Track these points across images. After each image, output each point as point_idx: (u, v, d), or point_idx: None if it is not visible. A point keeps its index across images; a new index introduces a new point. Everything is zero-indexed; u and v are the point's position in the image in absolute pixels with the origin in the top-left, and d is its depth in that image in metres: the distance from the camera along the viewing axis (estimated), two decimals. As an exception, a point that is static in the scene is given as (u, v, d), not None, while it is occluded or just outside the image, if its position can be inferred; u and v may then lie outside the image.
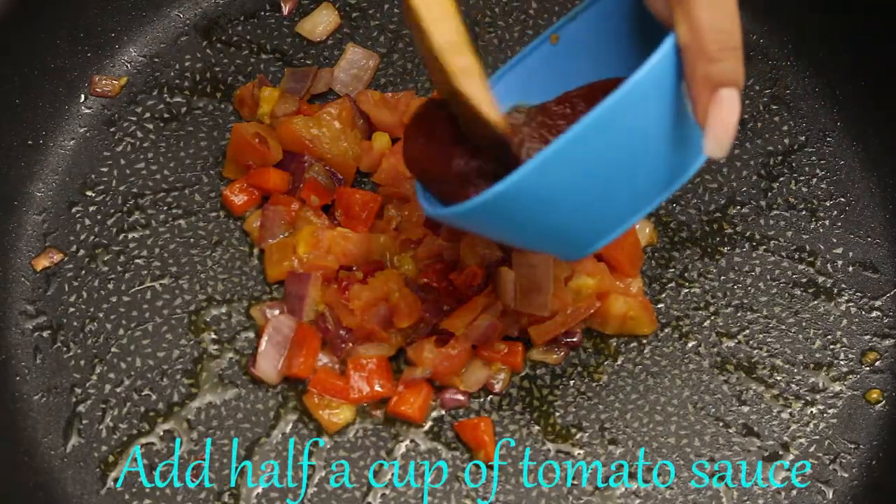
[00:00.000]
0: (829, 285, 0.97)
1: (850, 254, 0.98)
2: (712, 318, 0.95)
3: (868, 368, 0.94)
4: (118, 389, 0.92)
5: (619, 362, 0.94)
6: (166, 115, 1.02)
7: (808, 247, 0.98)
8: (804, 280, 0.97)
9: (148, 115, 1.02)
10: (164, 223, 0.98)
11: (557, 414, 0.92)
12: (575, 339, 0.93)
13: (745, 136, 1.02)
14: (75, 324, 0.94)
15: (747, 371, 0.94)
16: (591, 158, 0.68)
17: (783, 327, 0.95)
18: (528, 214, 0.71)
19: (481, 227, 0.75)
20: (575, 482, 0.90)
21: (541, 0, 1.07)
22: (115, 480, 0.90)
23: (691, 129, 0.72)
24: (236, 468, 0.90)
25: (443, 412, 0.91)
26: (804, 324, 0.95)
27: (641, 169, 0.71)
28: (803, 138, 1.02)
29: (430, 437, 0.91)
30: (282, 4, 1.06)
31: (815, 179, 1.01)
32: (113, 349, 0.94)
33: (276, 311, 0.93)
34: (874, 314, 0.96)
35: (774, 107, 1.03)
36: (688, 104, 0.71)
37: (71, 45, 1.01)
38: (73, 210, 0.99)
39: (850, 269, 0.97)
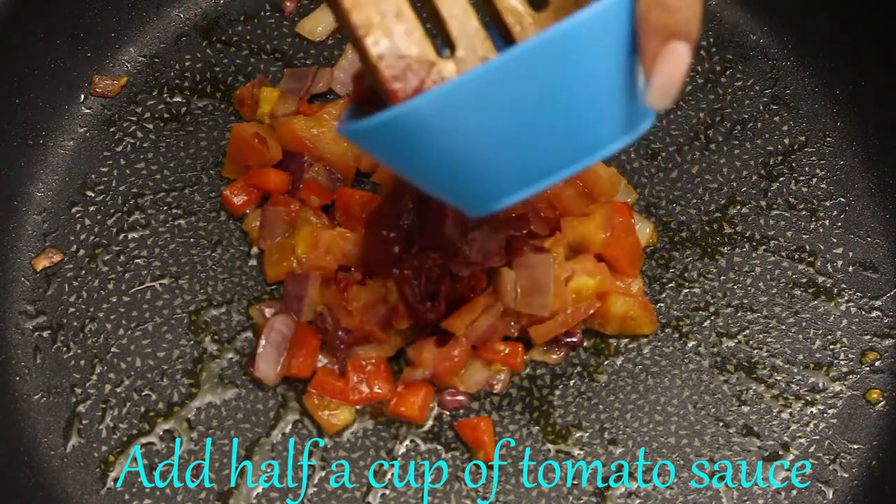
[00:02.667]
0: (829, 285, 0.97)
1: (850, 254, 0.98)
2: (712, 318, 0.95)
3: (868, 368, 0.94)
4: (118, 389, 0.92)
5: (619, 362, 0.94)
6: (166, 115, 1.02)
7: (808, 247, 0.98)
8: (804, 280, 0.97)
9: (148, 115, 1.02)
10: (164, 223, 0.98)
11: (557, 414, 0.92)
12: (575, 340, 0.93)
13: (745, 136, 1.02)
14: (75, 324, 0.95)
15: (747, 371, 0.94)
16: (514, 96, 0.63)
17: (783, 327, 0.95)
18: (436, 144, 0.65)
19: (390, 154, 0.69)
20: (575, 482, 0.90)
21: (541, 0, 1.07)
22: (115, 480, 0.90)
23: (637, 83, 0.67)
24: (236, 468, 0.90)
25: (443, 412, 0.91)
26: (804, 324, 0.95)
27: (573, 121, 0.65)
28: (803, 138, 1.02)
29: (430, 437, 0.91)
30: (282, 4, 1.06)
31: (815, 179, 1.01)
32: (113, 349, 0.94)
33: (275, 311, 0.93)
34: (874, 314, 0.96)
35: (774, 107, 1.03)
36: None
37: (71, 45, 1.01)
38: (73, 210, 0.99)
39: (850, 269, 0.97)
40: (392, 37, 0.69)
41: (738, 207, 0.99)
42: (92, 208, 0.99)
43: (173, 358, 0.93)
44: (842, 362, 0.94)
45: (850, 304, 0.96)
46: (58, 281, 0.96)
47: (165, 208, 0.99)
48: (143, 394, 0.92)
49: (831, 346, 0.95)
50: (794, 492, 0.90)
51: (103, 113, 1.02)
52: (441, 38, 0.72)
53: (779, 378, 0.93)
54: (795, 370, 0.94)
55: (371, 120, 0.65)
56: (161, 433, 0.91)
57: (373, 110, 0.70)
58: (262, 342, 0.91)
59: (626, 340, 0.94)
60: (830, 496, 0.90)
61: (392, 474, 0.90)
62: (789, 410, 0.92)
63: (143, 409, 0.92)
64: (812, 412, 0.92)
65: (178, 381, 0.93)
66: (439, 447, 0.91)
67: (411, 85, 0.69)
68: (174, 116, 1.02)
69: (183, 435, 0.91)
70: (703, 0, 0.65)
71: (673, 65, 0.64)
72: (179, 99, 1.03)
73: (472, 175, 0.66)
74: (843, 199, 1.00)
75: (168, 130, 1.02)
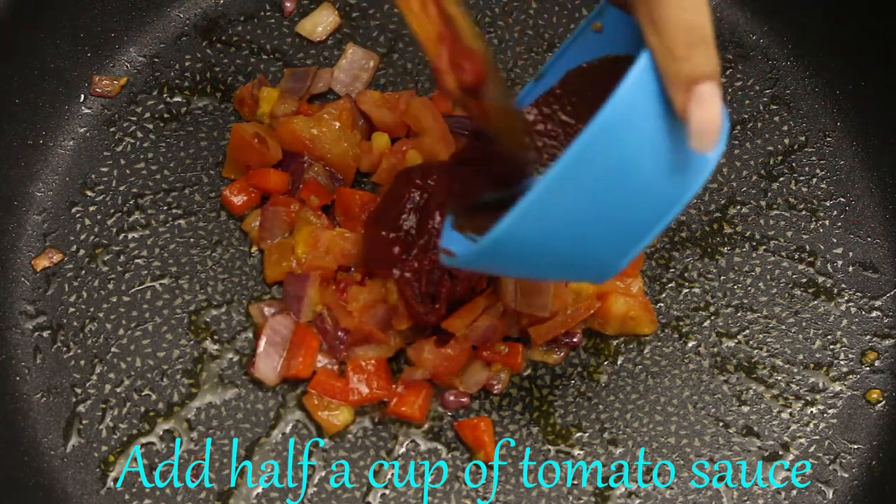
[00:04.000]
0: (829, 285, 0.97)
1: (850, 254, 0.98)
2: (712, 318, 0.95)
3: (868, 368, 0.94)
4: (118, 389, 0.92)
5: (619, 362, 0.94)
6: (166, 115, 1.02)
7: (808, 247, 0.98)
8: (804, 280, 0.97)
9: (148, 115, 1.02)
10: (164, 223, 0.98)
11: (557, 414, 0.92)
12: (575, 340, 0.93)
13: (745, 136, 1.02)
14: (75, 324, 0.95)
15: (747, 371, 0.94)
16: (585, 185, 0.67)
17: (783, 327, 0.95)
18: (535, 249, 0.70)
19: (497, 267, 0.75)
20: (575, 482, 0.90)
21: (541, 0, 1.07)
22: (115, 480, 0.90)
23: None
24: (236, 468, 0.90)
25: (443, 412, 0.91)
26: (804, 324, 0.95)
27: (644, 185, 0.69)
28: (803, 138, 1.02)
29: (430, 437, 0.91)
30: (282, 4, 1.06)
31: (815, 179, 1.01)
32: (113, 349, 0.94)
33: (275, 311, 0.93)
34: (874, 314, 0.96)
35: (774, 107, 1.03)
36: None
37: (71, 45, 1.01)
38: (73, 210, 0.99)
39: (850, 269, 0.97)
40: None
41: (738, 207, 0.99)
42: (92, 208, 0.99)
43: (173, 358, 0.93)
44: (842, 362, 0.94)
45: (850, 304, 0.96)
46: (58, 281, 0.96)
47: (165, 208, 0.99)
48: (143, 394, 0.92)
49: (831, 346, 0.95)
50: (794, 492, 0.90)
51: (103, 113, 1.02)
52: None
53: (779, 378, 0.93)
54: (795, 370, 0.94)
55: (489, 237, 0.69)
56: (161, 433, 0.91)
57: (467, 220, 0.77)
58: (262, 342, 0.91)
59: (626, 340, 0.94)
60: (830, 496, 0.90)
61: (392, 474, 0.90)
62: (789, 410, 0.92)
63: (143, 409, 0.92)
64: (812, 412, 0.92)
65: (178, 381, 0.93)
66: (439, 447, 0.91)
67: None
68: (174, 116, 1.02)
69: (183, 435, 0.91)
70: (713, 34, 0.66)
71: (703, 108, 0.65)
72: (179, 99, 1.03)
73: (583, 256, 0.71)
74: (843, 199, 1.00)
75: (168, 130, 1.02)
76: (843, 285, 0.97)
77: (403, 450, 0.91)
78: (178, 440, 0.91)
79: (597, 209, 0.68)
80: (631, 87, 0.66)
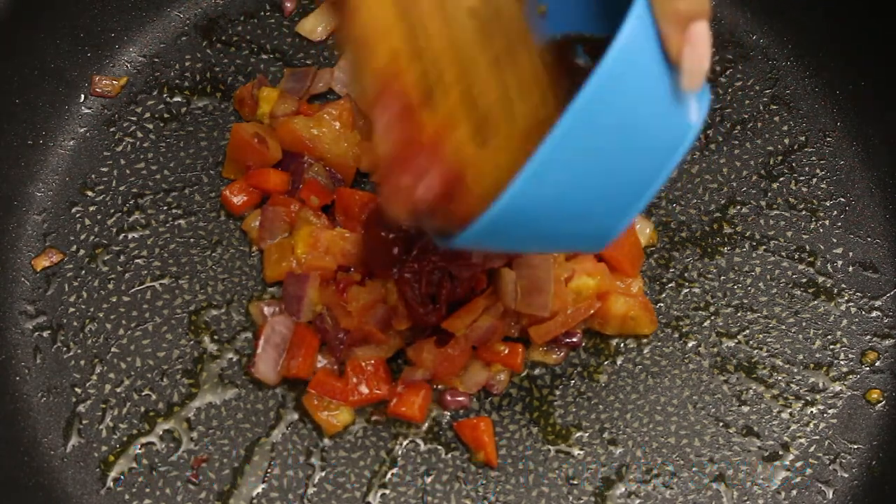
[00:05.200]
0: (829, 285, 0.97)
1: (850, 254, 0.98)
2: (712, 318, 0.95)
3: (868, 368, 0.94)
4: (118, 389, 0.92)
5: (619, 362, 0.94)
6: (166, 115, 1.02)
7: (808, 247, 0.98)
8: (804, 280, 0.97)
9: (148, 115, 1.02)
10: (164, 223, 0.98)
11: (557, 414, 0.92)
12: (575, 340, 0.93)
13: (745, 136, 1.02)
14: (75, 324, 0.95)
15: (747, 371, 0.94)
16: (588, 144, 0.66)
17: (783, 327, 0.95)
18: (540, 214, 0.68)
19: (497, 243, 0.73)
20: (575, 482, 0.90)
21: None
22: (115, 480, 0.90)
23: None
24: (236, 468, 0.90)
25: (443, 412, 0.91)
26: (804, 324, 0.95)
27: (644, 137, 0.67)
28: (803, 138, 1.02)
29: (430, 437, 0.91)
30: (282, 4, 1.06)
31: (815, 179, 1.01)
32: (113, 349, 0.94)
33: (275, 311, 0.93)
34: (874, 314, 0.96)
35: (774, 107, 1.03)
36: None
37: (71, 45, 1.01)
38: (73, 210, 0.99)
39: (850, 269, 0.97)
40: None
41: (738, 207, 0.99)
42: (92, 208, 0.99)
43: (173, 358, 0.93)
44: (842, 362, 0.94)
45: (850, 304, 0.96)
46: (58, 281, 0.96)
47: (165, 208, 0.99)
48: (143, 394, 0.92)
49: (831, 346, 0.95)
50: (794, 492, 0.90)
51: (103, 113, 1.02)
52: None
53: (779, 378, 0.93)
54: (795, 370, 0.94)
55: (484, 217, 0.67)
56: (161, 433, 0.91)
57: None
58: (262, 342, 0.91)
59: (626, 340, 0.94)
60: (830, 496, 0.90)
61: (392, 474, 0.90)
62: (789, 410, 0.92)
63: (143, 409, 0.92)
64: (812, 412, 0.92)
65: (178, 381, 0.93)
66: (439, 447, 0.91)
67: (399, 104, 0.70)
68: (174, 116, 1.02)
69: (183, 435, 0.91)
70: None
71: (696, 46, 0.66)
72: (179, 99, 1.03)
73: (584, 221, 0.70)
74: (843, 199, 1.00)
75: (168, 130, 1.02)
76: (843, 285, 0.97)
77: (403, 450, 0.91)
78: (178, 440, 0.91)
79: (602, 163, 0.67)
80: (632, 31, 0.65)
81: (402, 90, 0.69)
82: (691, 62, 0.67)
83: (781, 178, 1.01)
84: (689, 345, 0.94)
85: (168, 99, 1.03)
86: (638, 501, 0.89)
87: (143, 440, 0.91)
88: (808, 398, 0.93)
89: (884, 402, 0.93)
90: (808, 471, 0.91)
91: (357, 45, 0.71)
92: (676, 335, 0.95)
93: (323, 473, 0.90)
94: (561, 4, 0.82)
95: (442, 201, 0.70)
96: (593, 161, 0.66)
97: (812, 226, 0.99)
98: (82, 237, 0.98)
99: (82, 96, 1.02)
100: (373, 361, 0.91)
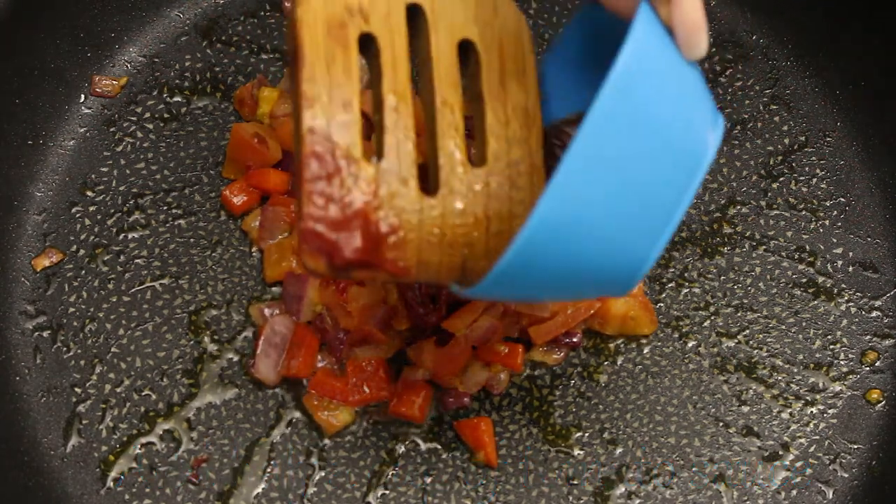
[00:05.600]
0: (829, 285, 0.97)
1: (850, 254, 0.98)
2: (712, 318, 0.95)
3: (868, 368, 0.94)
4: (118, 389, 0.92)
5: (619, 362, 0.94)
6: (166, 115, 1.02)
7: (808, 247, 0.98)
8: (804, 280, 0.97)
9: (148, 115, 1.02)
10: (164, 223, 0.98)
11: (557, 414, 0.92)
12: (575, 340, 0.93)
13: (745, 136, 1.02)
14: (75, 324, 0.95)
15: (747, 371, 0.94)
16: (610, 153, 0.62)
17: (783, 327, 0.95)
18: (568, 243, 0.63)
19: (517, 290, 0.69)
20: (575, 482, 0.90)
21: (540, 0, 1.07)
22: (115, 480, 0.90)
23: (700, 91, 0.67)
24: (236, 468, 0.90)
25: (443, 412, 0.91)
26: (804, 324, 0.95)
27: (668, 144, 0.64)
28: (803, 138, 1.02)
29: (430, 437, 0.91)
30: (282, 4, 1.06)
31: (815, 179, 1.01)
32: (113, 349, 0.94)
33: (275, 312, 0.93)
34: (874, 314, 0.96)
35: (774, 107, 1.03)
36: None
37: (71, 45, 1.01)
38: (73, 210, 0.99)
39: (850, 269, 0.97)
40: (331, 120, 0.70)
41: (738, 207, 0.99)
42: (92, 208, 0.99)
43: (173, 358, 0.93)
44: (842, 362, 0.94)
45: (850, 304, 0.96)
46: (58, 281, 0.96)
47: (165, 208, 0.99)
48: (143, 394, 0.92)
49: (831, 346, 0.95)
50: (794, 492, 0.90)
51: (103, 113, 1.02)
52: (375, 147, 0.72)
53: (779, 378, 0.93)
54: (795, 370, 0.94)
55: (504, 259, 0.63)
56: (161, 433, 0.91)
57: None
58: (262, 343, 0.91)
59: (626, 340, 0.94)
60: (830, 496, 0.90)
61: (392, 474, 0.90)
62: (789, 410, 0.92)
63: (143, 409, 0.92)
64: (812, 412, 0.92)
65: (178, 381, 0.93)
66: (439, 447, 0.91)
67: (326, 169, 0.69)
68: (174, 116, 1.02)
69: (183, 435, 0.91)
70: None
71: (686, 8, 0.65)
72: (179, 99, 1.03)
73: (615, 248, 0.65)
74: (843, 199, 1.00)
75: (168, 130, 1.02)
76: (843, 285, 0.97)
77: (403, 450, 0.91)
78: (178, 440, 0.91)
79: (629, 175, 0.63)
80: (641, 33, 0.63)
81: (339, 145, 0.69)
82: (684, 26, 0.64)
83: (781, 178, 1.01)
84: (689, 345, 0.94)
85: (168, 99, 1.03)
86: (638, 501, 0.89)
87: (143, 440, 0.91)
88: (808, 398, 0.93)
89: (884, 402, 0.93)
90: (808, 471, 0.91)
91: (297, 103, 0.70)
92: (676, 335, 0.95)
93: (323, 473, 0.90)
94: (560, 89, 0.81)
95: (365, 256, 0.69)
96: (618, 172, 0.63)
97: (812, 226, 0.99)
98: (82, 237, 0.98)
99: (82, 96, 1.02)
100: (373, 361, 0.91)
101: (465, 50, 0.75)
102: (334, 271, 0.69)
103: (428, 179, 0.73)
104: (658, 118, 0.63)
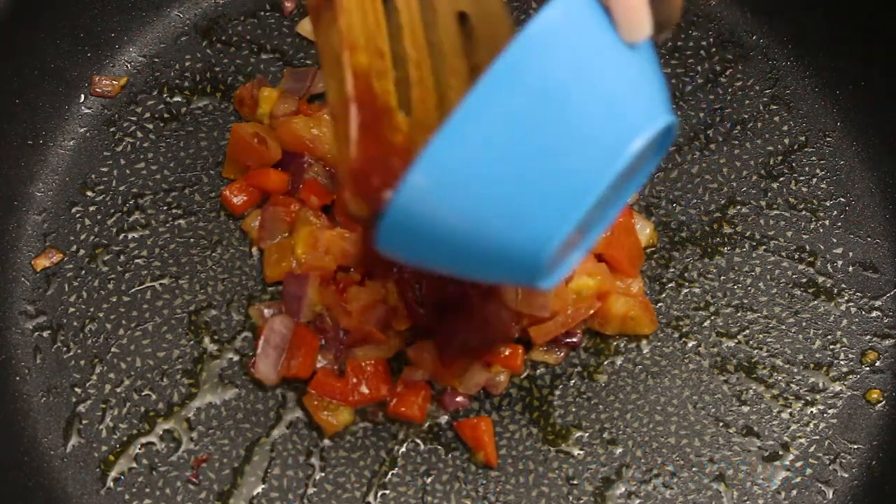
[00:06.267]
0: (829, 285, 0.97)
1: (850, 254, 0.98)
2: (712, 318, 0.95)
3: (868, 368, 0.94)
4: (118, 389, 0.92)
5: (619, 362, 0.94)
6: (166, 115, 1.02)
7: (808, 247, 0.98)
8: (804, 280, 0.97)
9: (148, 115, 1.02)
10: (164, 223, 0.98)
11: (557, 414, 0.92)
12: (575, 340, 0.93)
13: (745, 136, 1.02)
14: (75, 324, 0.95)
15: (747, 371, 0.94)
16: (512, 113, 0.58)
17: (783, 327, 0.95)
18: (454, 208, 0.60)
19: (414, 249, 0.66)
20: (575, 482, 0.90)
21: (540, 0, 1.07)
22: (115, 480, 0.90)
23: (639, 75, 0.63)
24: (236, 468, 0.90)
25: (443, 412, 0.91)
26: (804, 324, 0.95)
27: (585, 122, 0.59)
28: (803, 138, 1.02)
29: (430, 438, 0.91)
30: (282, 4, 1.06)
31: (815, 179, 1.01)
32: (113, 349, 0.94)
33: (274, 312, 0.93)
34: (874, 314, 0.96)
35: (774, 107, 1.03)
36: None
37: (71, 45, 1.01)
38: (73, 210, 0.99)
39: (850, 269, 0.97)
40: (370, 66, 0.70)
41: (738, 207, 0.99)
42: (92, 208, 0.99)
43: (173, 358, 0.93)
44: (842, 362, 0.94)
45: (850, 304, 0.96)
46: (58, 281, 0.96)
47: (165, 208, 0.99)
48: (143, 394, 0.92)
49: (831, 346, 0.95)
50: (794, 492, 0.90)
51: (103, 113, 1.02)
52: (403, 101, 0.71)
53: (779, 378, 0.93)
54: (795, 370, 0.94)
55: (391, 205, 0.61)
56: (161, 433, 0.91)
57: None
58: (262, 343, 0.91)
59: (626, 340, 0.94)
60: (830, 496, 0.90)
61: (392, 474, 0.90)
62: (789, 410, 0.92)
63: (143, 409, 0.92)
64: (812, 412, 0.92)
65: (178, 381, 0.93)
66: (439, 447, 0.91)
67: (369, 115, 0.68)
68: (174, 116, 1.02)
69: (183, 435, 0.91)
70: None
71: None
72: (179, 99, 1.03)
73: (514, 220, 0.61)
74: (843, 199, 1.00)
75: (168, 130, 1.02)
76: (843, 285, 0.97)
77: (403, 450, 0.91)
78: (178, 440, 0.91)
79: (523, 149, 0.59)
80: None
81: (379, 92, 0.69)
82: (621, 5, 0.60)
83: (781, 178, 1.01)
84: (689, 345, 0.94)
85: (168, 99, 1.03)
86: (638, 501, 0.89)
87: (143, 440, 0.91)
88: (808, 398, 0.93)
89: (884, 402, 0.93)
90: (808, 471, 0.91)
91: (336, 48, 0.71)
92: (676, 335, 0.95)
93: (323, 473, 0.90)
94: None
95: None
96: (518, 136, 0.59)
97: (812, 226, 0.99)
98: (82, 237, 0.98)
99: (82, 96, 1.02)
100: (373, 361, 0.91)
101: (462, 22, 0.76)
102: (374, 217, 0.68)
103: None
104: (574, 91, 0.59)
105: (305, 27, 1.05)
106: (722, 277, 0.97)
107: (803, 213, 0.99)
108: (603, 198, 0.64)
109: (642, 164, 0.68)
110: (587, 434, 0.91)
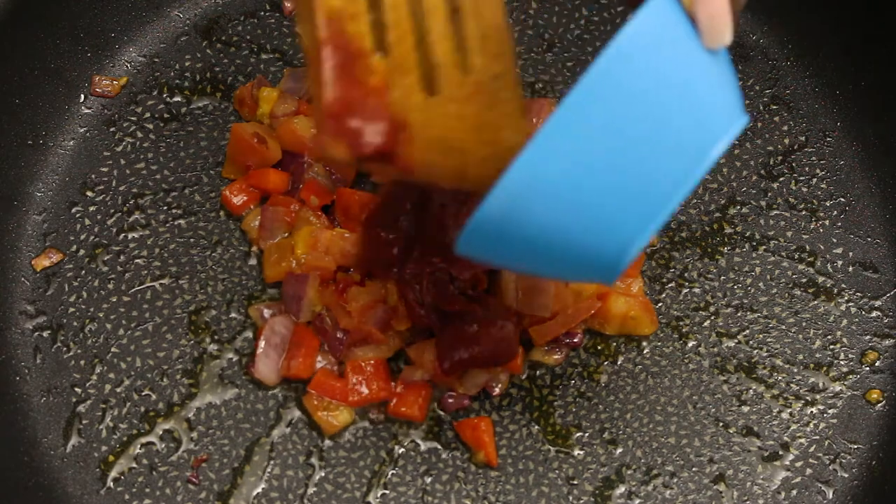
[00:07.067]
0: (829, 285, 0.97)
1: (850, 254, 0.98)
2: (712, 318, 0.95)
3: (868, 368, 0.94)
4: (118, 389, 0.92)
5: (619, 362, 0.94)
6: (166, 115, 1.02)
7: (808, 247, 0.98)
8: (804, 280, 0.97)
9: (148, 115, 1.02)
10: (164, 223, 0.98)
11: (557, 414, 0.92)
12: (576, 340, 0.93)
13: (745, 136, 1.02)
14: (75, 324, 0.95)
15: (747, 371, 0.94)
16: (601, 125, 0.60)
17: (783, 327, 0.95)
18: (541, 217, 0.62)
19: (497, 252, 0.68)
20: (575, 482, 0.90)
21: (541, 0, 1.07)
22: (115, 480, 0.90)
23: (717, 79, 0.65)
24: (236, 468, 0.90)
25: (443, 412, 0.91)
26: (804, 324, 0.95)
27: (672, 126, 0.61)
28: (803, 138, 1.02)
29: (430, 437, 0.91)
30: (282, 4, 1.06)
31: (815, 179, 1.01)
32: (113, 349, 0.94)
33: (274, 312, 0.93)
34: (874, 314, 0.96)
35: (774, 107, 1.03)
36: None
37: (71, 45, 1.01)
38: (73, 210, 0.99)
39: (850, 269, 0.97)
40: (344, 10, 0.70)
41: (738, 207, 0.99)
42: (92, 208, 0.99)
43: (173, 358, 0.93)
44: (842, 362, 0.94)
45: (850, 304, 0.96)
46: (58, 281, 0.96)
47: (165, 208, 0.99)
48: (143, 394, 0.92)
49: (831, 346, 0.95)
50: (794, 492, 0.90)
51: (103, 113, 1.02)
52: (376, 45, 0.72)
53: (779, 378, 0.93)
54: (795, 370, 0.94)
55: (479, 210, 0.62)
56: (161, 433, 0.91)
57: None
58: (262, 343, 0.91)
59: (626, 340, 0.94)
60: (830, 496, 0.90)
61: (392, 474, 0.90)
62: (789, 410, 0.92)
63: (143, 409, 0.92)
64: (812, 412, 0.92)
65: (178, 381, 0.93)
66: (439, 447, 0.91)
67: (342, 57, 0.69)
68: (174, 116, 1.02)
69: (183, 435, 0.91)
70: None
71: None
72: (179, 99, 1.03)
73: (598, 226, 0.63)
74: (843, 199, 1.00)
75: (168, 130, 1.02)
76: (843, 285, 0.97)
77: (403, 450, 0.91)
78: (178, 440, 0.91)
79: (611, 158, 0.60)
80: (651, 10, 0.61)
81: (353, 35, 0.70)
82: (706, 9, 0.62)
83: (781, 178, 1.01)
84: (689, 345, 0.94)
85: (168, 99, 1.03)
86: (638, 501, 0.89)
87: (143, 440, 0.91)
88: (808, 398, 0.93)
89: (884, 402, 0.93)
90: (808, 471, 0.91)
91: None
92: (676, 335, 0.95)
93: (323, 473, 0.90)
94: None
95: (386, 146, 0.69)
96: (608, 142, 0.60)
97: (812, 226, 0.99)
98: (82, 237, 0.98)
99: (82, 96, 1.02)
100: (373, 361, 0.91)
101: None
102: (353, 159, 0.69)
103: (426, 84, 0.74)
104: (661, 99, 0.61)
105: (305, 27, 1.06)
106: (722, 277, 0.97)
107: (803, 213, 0.99)
108: None
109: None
110: (587, 434, 0.91)
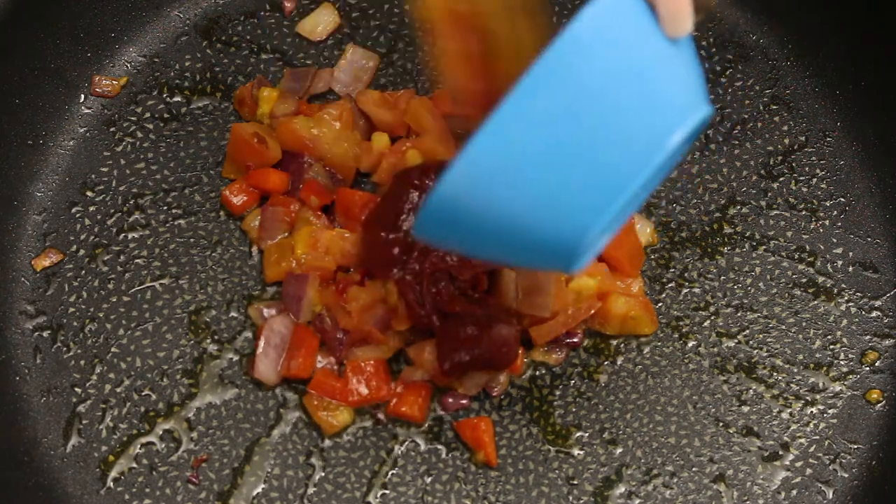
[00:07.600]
0: (829, 285, 0.97)
1: (850, 254, 0.98)
2: (712, 318, 0.95)
3: (868, 368, 0.94)
4: (118, 389, 0.92)
5: (619, 362, 0.94)
6: (166, 115, 1.02)
7: (808, 247, 0.98)
8: (804, 280, 0.97)
9: (148, 115, 1.02)
10: (164, 223, 0.98)
11: (557, 414, 0.92)
12: (576, 340, 0.93)
13: (745, 136, 1.02)
14: (75, 324, 0.95)
15: (747, 371, 0.94)
16: (552, 111, 0.60)
17: (783, 327, 0.95)
18: (492, 200, 0.62)
19: (454, 236, 0.67)
20: (575, 482, 0.90)
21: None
22: (115, 480, 0.90)
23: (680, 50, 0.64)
24: (236, 468, 0.90)
25: (443, 412, 0.91)
26: (804, 324, 0.95)
27: (621, 117, 0.61)
28: (803, 138, 1.02)
29: (430, 437, 0.91)
30: (282, 4, 1.06)
31: (815, 179, 1.01)
32: (113, 349, 0.94)
33: (274, 312, 0.93)
34: (874, 314, 0.96)
35: (774, 107, 1.03)
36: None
37: (71, 45, 1.01)
38: (73, 210, 0.99)
39: (850, 269, 0.97)
40: None
41: (738, 207, 0.99)
42: (92, 208, 0.99)
43: (173, 358, 0.93)
44: (842, 362, 0.94)
45: (850, 304, 0.96)
46: (58, 281, 0.96)
47: (165, 208, 0.99)
48: (143, 394, 0.92)
49: (831, 346, 0.95)
50: (794, 492, 0.90)
51: (103, 113, 1.02)
52: None
53: (779, 378, 0.93)
54: (795, 370, 0.94)
55: (432, 195, 0.62)
56: (161, 433, 0.91)
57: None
58: (262, 343, 0.91)
59: (626, 340, 0.94)
60: (830, 496, 0.90)
61: (392, 474, 0.90)
62: (789, 410, 0.92)
63: (143, 409, 0.92)
64: (812, 412, 0.92)
65: (178, 381, 0.93)
66: (439, 447, 0.91)
67: None
68: (174, 116, 1.02)
69: (183, 435, 0.91)
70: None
71: None
72: (179, 99, 1.03)
73: (551, 210, 0.62)
74: (843, 199, 1.00)
75: (168, 130, 1.02)
76: (843, 285, 0.97)
77: (403, 450, 0.91)
78: (178, 440, 0.91)
79: (566, 143, 0.60)
80: None
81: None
82: (666, 2, 0.61)
83: (781, 178, 1.01)
84: (689, 345, 0.94)
85: (168, 99, 1.03)
86: (638, 501, 0.89)
87: (143, 440, 0.91)
88: (808, 398, 0.93)
89: (884, 402, 0.93)
90: (808, 471, 0.91)
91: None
92: (676, 335, 0.95)
93: (323, 473, 0.90)
94: None
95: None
96: (561, 126, 0.60)
97: (812, 226, 0.99)
98: (82, 237, 0.98)
99: (82, 96, 1.02)
100: (373, 362, 0.91)
101: None
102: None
103: None
104: (617, 86, 0.61)
105: (305, 27, 1.06)
106: (722, 277, 0.97)
107: (803, 213, 0.99)
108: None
109: (674, 152, 0.69)
110: (587, 434, 0.91)
